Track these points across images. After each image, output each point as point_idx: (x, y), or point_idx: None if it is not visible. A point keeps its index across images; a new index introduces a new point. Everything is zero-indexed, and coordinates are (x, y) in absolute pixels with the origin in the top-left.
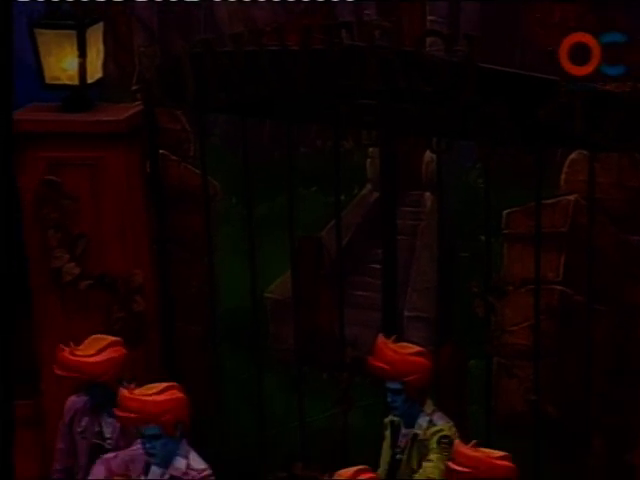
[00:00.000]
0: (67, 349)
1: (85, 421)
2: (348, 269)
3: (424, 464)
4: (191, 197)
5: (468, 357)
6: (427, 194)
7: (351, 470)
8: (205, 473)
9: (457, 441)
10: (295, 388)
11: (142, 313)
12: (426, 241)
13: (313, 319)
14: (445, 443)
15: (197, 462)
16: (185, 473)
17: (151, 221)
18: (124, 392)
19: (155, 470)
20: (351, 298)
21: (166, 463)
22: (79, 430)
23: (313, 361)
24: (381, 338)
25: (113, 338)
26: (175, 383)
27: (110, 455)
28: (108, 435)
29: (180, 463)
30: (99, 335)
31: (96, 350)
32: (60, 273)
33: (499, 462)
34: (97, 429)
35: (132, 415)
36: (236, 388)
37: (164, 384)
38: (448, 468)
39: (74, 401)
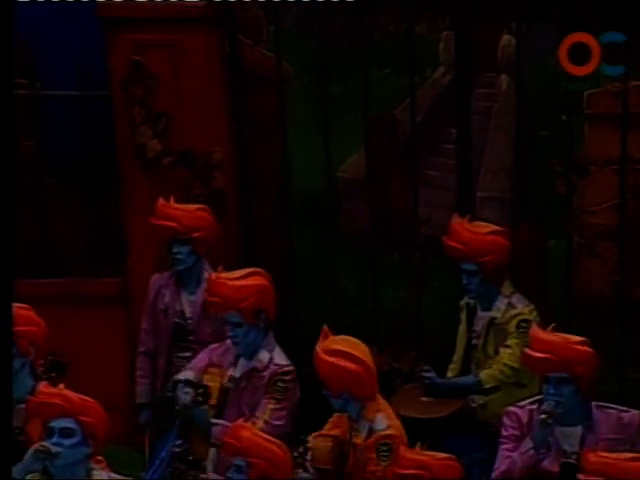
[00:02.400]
0: (165, 201)
1: (167, 298)
2: (421, 148)
3: (501, 350)
4: (265, 79)
5: (547, 237)
6: (503, 76)
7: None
8: (286, 369)
9: (534, 326)
10: (368, 269)
11: (221, 190)
12: (501, 122)
13: (386, 198)
14: (524, 327)
15: (281, 357)
16: (266, 367)
17: (229, 102)
18: (211, 275)
19: (242, 362)
20: (424, 177)
21: (250, 354)
22: (162, 308)
23: (386, 241)
24: (456, 217)
25: (203, 206)
26: (260, 269)
27: (216, 345)
28: (189, 315)
29: (264, 356)
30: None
31: (192, 208)
32: (144, 149)
33: (578, 347)
34: (179, 308)
35: (214, 299)
36: (309, 269)
37: (248, 270)
38: (524, 354)
39: (158, 278)
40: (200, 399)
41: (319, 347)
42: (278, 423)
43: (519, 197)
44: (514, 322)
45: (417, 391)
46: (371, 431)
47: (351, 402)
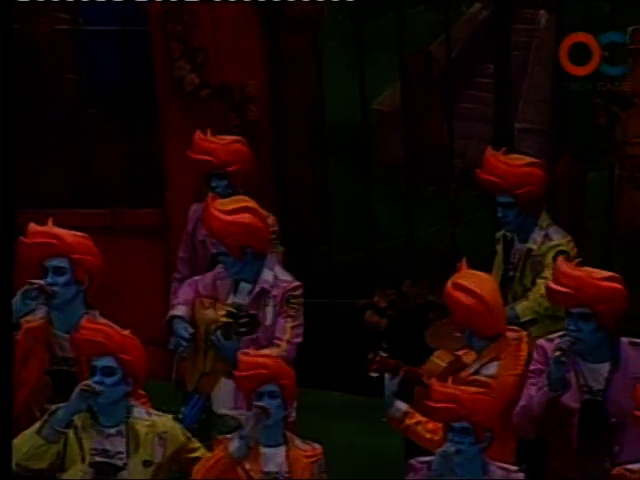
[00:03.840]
0: (202, 135)
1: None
2: (457, 82)
3: (538, 281)
4: (301, 15)
5: (587, 169)
6: (542, 12)
7: None
8: (295, 284)
9: (559, 258)
10: (403, 201)
11: (256, 122)
12: (540, 56)
13: (421, 131)
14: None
15: (284, 274)
16: (274, 285)
17: (265, 37)
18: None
19: (244, 286)
20: (460, 111)
21: (253, 278)
22: (200, 239)
23: (421, 174)
24: (490, 150)
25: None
26: (251, 205)
27: (198, 277)
28: None
29: (267, 275)
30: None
31: (228, 141)
32: (182, 83)
33: (603, 283)
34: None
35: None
36: (344, 202)
37: (241, 204)
38: (548, 287)
39: (197, 209)
40: (244, 329)
41: (450, 280)
42: (298, 340)
43: (558, 129)
44: (551, 254)
45: (451, 326)
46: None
47: (474, 337)
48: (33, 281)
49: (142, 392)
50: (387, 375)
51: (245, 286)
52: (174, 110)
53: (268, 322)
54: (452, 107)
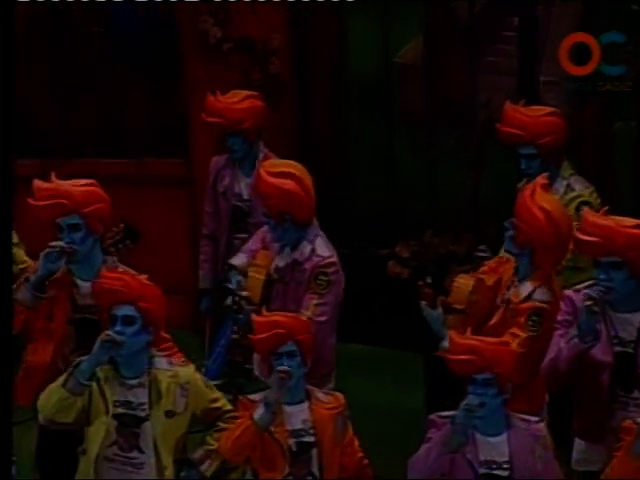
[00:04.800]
0: (213, 96)
1: (227, 181)
2: (481, 36)
3: None
4: None
5: (614, 120)
6: None
7: None
8: (329, 260)
9: (585, 209)
10: (426, 153)
11: (278, 75)
12: (565, 9)
13: (444, 84)
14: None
15: (322, 248)
16: (308, 258)
17: None
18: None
19: (286, 252)
20: (485, 64)
21: (293, 245)
22: (221, 191)
23: (444, 125)
24: (509, 104)
25: (253, 92)
26: (295, 172)
27: (266, 228)
28: (246, 197)
29: (305, 247)
30: (239, 90)
31: (239, 99)
32: (206, 36)
33: (633, 231)
34: (237, 190)
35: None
36: (366, 154)
37: (283, 168)
38: (575, 237)
39: (217, 161)
40: (235, 307)
41: (529, 195)
42: (322, 319)
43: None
44: (573, 204)
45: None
46: (529, 296)
47: (526, 258)
48: (54, 244)
49: (166, 335)
50: (427, 309)
51: (287, 252)
52: (197, 63)
53: (298, 296)
54: (476, 58)
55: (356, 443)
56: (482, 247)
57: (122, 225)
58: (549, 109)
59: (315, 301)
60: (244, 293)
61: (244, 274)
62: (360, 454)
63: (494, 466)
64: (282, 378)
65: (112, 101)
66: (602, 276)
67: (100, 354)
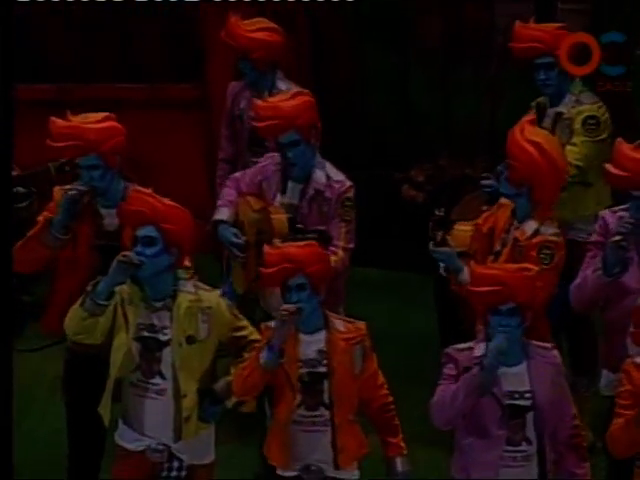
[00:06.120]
0: (235, 19)
1: (243, 104)
2: None
3: (567, 147)
4: None
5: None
6: None
7: None
8: (349, 184)
9: (618, 139)
10: (441, 86)
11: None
12: None
13: (459, 13)
14: (591, 124)
15: (335, 173)
16: (328, 185)
17: None
18: (259, 101)
19: (293, 187)
20: None
21: (305, 175)
22: (237, 114)
23: (460, 56)
24: (519, 23)
25: (275, 25)
26: (304, 89)
27: (238, 174)
28: None
29: (319, 176)
30: (263, 20)
31: (254, 28)
32: None
33: None
34: (253, 113)
35: (271, 122)
36: (380, 84)
37: (293, 91)
38: (605, 169)
39: (234, 86)
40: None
41: (519, 132)
42: (351, 246)
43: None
44: (580, 118)
45: (479, 200)
46: (537, 232)
47: (524, 198)
48: (75, 187)
49: (188, 264)
50: (437, 249)
51: (295, 186)
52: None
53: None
54: None
55: (381, 378)
56: (485, 174)
57: None
58: (559, 24)
59: (345, 229)
60: (243, 239)
61: (234, 225)
62: (384, 391)
63: (516, 396)
64: (286, 315)
65: (128, 25)
66: (634, 210)
67: (116, 274)
